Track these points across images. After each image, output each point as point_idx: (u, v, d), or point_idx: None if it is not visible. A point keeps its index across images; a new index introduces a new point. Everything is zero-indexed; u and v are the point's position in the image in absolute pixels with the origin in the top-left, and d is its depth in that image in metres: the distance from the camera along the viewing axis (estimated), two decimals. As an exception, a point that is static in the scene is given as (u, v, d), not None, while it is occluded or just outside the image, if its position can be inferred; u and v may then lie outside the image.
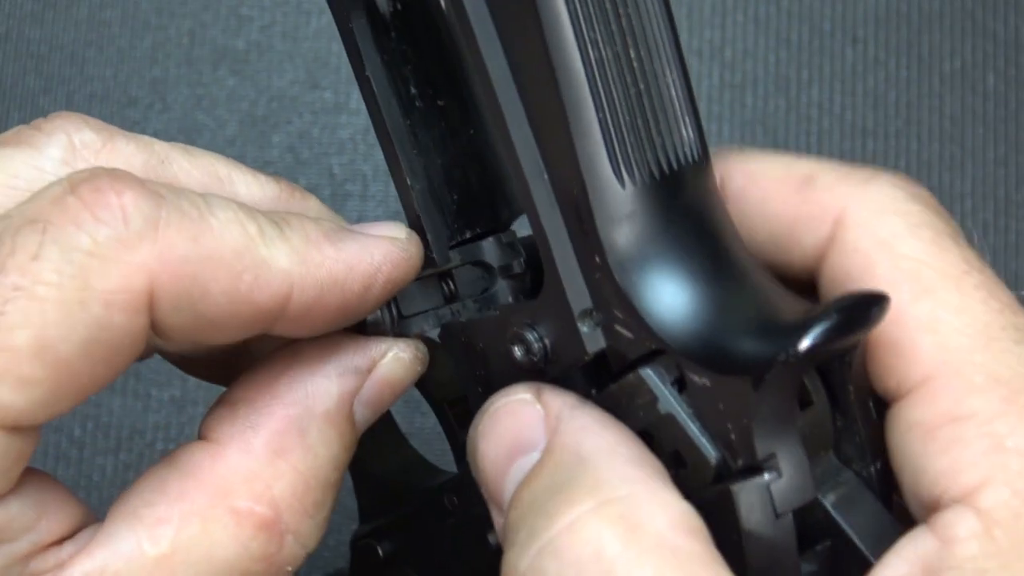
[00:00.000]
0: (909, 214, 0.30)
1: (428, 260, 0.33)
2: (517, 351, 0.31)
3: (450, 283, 0.34)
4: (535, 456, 0.30)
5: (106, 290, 0.28)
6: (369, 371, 0.33)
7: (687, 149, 0.29)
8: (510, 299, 0.33)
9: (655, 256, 0.29)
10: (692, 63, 0.59)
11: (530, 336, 0.31)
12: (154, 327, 0.29)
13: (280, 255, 0.30)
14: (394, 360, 0.33)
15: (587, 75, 0.28)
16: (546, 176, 0.29)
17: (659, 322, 0.29)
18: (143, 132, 0.34)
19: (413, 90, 0.33)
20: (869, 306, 0.28)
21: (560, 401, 0.30)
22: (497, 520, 0.31)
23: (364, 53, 0.32)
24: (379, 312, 0.33)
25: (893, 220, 0.30)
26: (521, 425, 0.31)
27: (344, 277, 0.31)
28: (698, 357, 0.29)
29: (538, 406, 0.31)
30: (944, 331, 0.29)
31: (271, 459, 0.31)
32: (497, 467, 0.31)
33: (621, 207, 0.29)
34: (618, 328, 0.30)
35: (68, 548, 0.30)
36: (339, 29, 0.32)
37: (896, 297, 0.29)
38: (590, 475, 0.28)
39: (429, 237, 0.33)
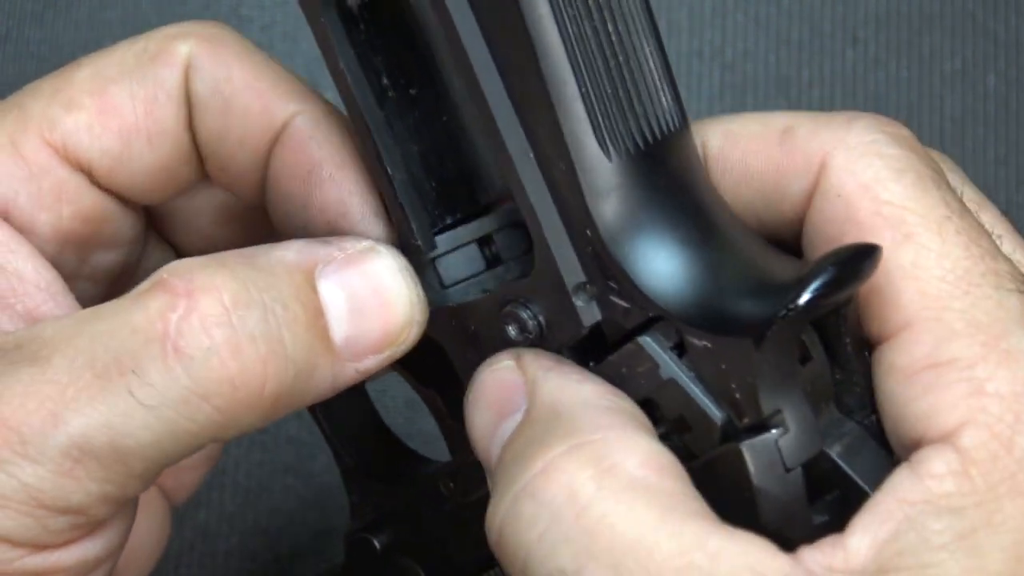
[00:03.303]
0: (891, 157, 0.30)
1: (415, 248, 0.33)
2: (511, 330, 0.32)
3: (491, 248, 0.34)
4: (518, 417, 0.30)
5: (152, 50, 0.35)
6: (341, 250, 0.32)
7: (668, 117, 0.30)
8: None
9: (646, 225, 0.30)
10: (693, 64, 0.59)
11: (524, 314, 0.31)
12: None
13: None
14: (369, 249, 0.32)
15: (568, 52, 0.28)
16: (531, 154, 0.30)
17: (655, 290, 0.29)
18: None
19: (385, 81, 0.33)
20: (863, 258, 0.28)
21: (538, 363, 0.31)
22: (491, 484, 0.31)
23: (337, 47, 0.32)
24: None
25: (875, 163, 0.30)
26: (503, 390, 0.31)
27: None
28: (697, 321, 0.29)
29: (519, 370, 0.31)
30: (925, 277, 0.29)
31: (209, 258, 0.31)
32: (486, 434, 0.31)
33: (608, 180, 0.29)
34: (613, 299, 0.30)
35: None
36: (310, 25, 0.32)
37: (878, 243, 0.29)
38: (565, 424, 0.29)
39: (414, 225, 0.33)
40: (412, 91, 0.33)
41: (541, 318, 0.31)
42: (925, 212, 0.29)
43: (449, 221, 0.34)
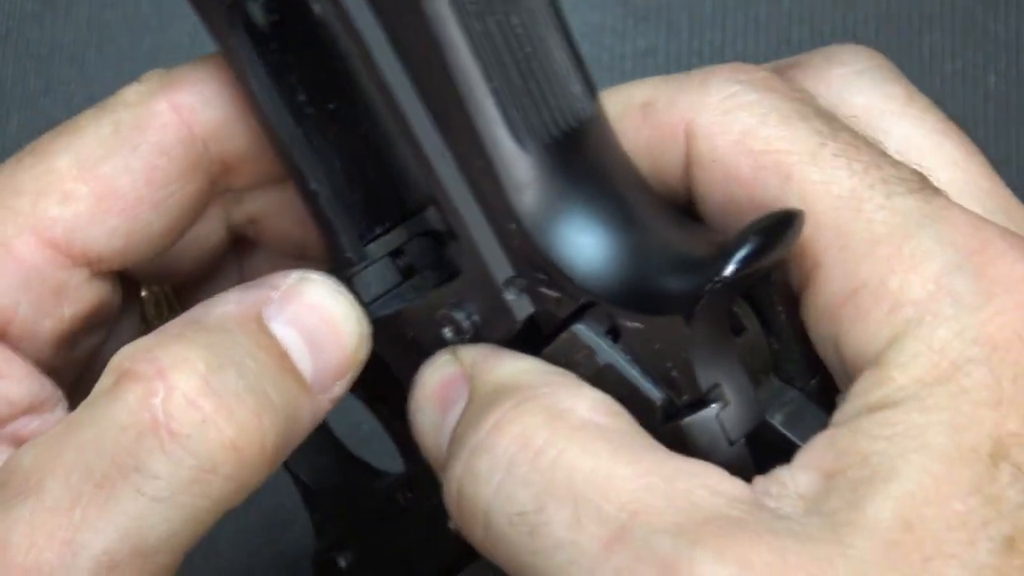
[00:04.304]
0: (752, 104, 0.30)
1: (345, 260, 0.33)
2: (447, 332, 0.32)
3: (403, 259, 0.34)
4: (462, 404, 0.30)
5: (133, 119, 0.33)
6: (274, 289, 0.32)
7: (580, 105, 0.30)
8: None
9: (567, 213, 0.30)
10: (693, 64, 0.59)
11: (458, 315, 0.32)
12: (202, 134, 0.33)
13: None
14: (301, 279, 0.32)
15: (474, 49, 0.28)
16: (448, 154, 0.30)
17: (583, 276, 0.30)
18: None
19: (302, 97, 0.32)
20: (785, 225, 0.28)
21: (474, 351, 0.31)
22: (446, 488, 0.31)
23: (248, 69, 0.32)
24: None
25: (739, 116, 0.30)
26: (444, 384, 0.31)
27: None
28: (627, 303, 0.29)
29: (456, 361, 0.31)
30: (817, 211, 0.29)
31: (159, 334, 0.31)
32: (432, 430, 0.31)
33: (527, 172, 0.29)
34: (543, 290, 0.30)
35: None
36: (219, 47, 0.32)
37: (765, 194, 0.29)
38: (510, 388, 0.29)
39: (342, 239, 0.33)
40: (330, 105, 0.33)
41: (475, 317, 0.31)
42: (797, 147, 0.29)
43: (378, 231, 0.33)
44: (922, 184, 0.29)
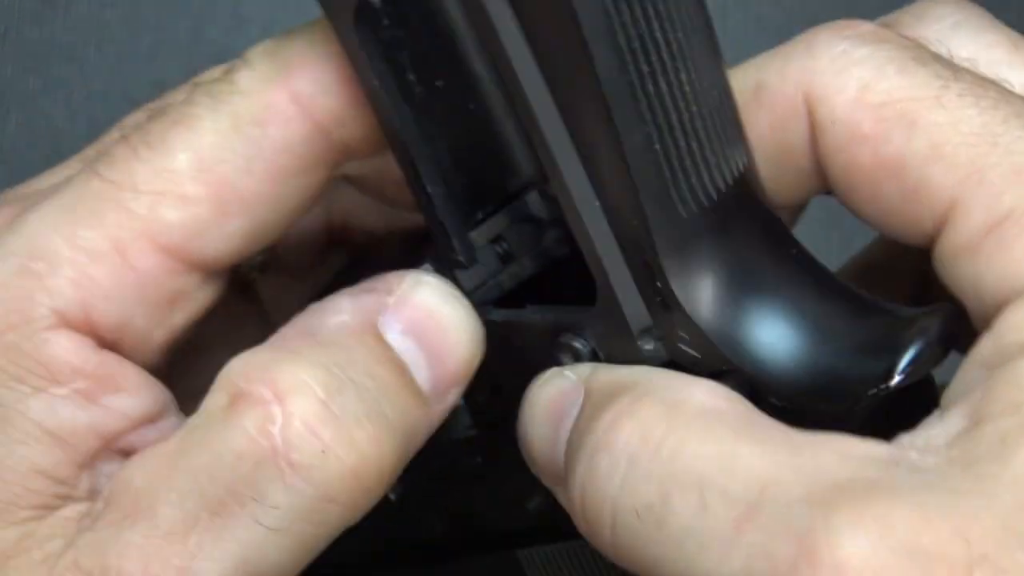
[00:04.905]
0: (865, 60, 0.29)
1: (454, 259, 0.32)
2: (564, 358, 0.31)
3: (503, 245, 0.33)
4: (575, 412, 0.30)
5: (252, 113, 0.31)
6: (389, 294, 0.31)
7: (738, 160, 0.29)
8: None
9: (723, 279, 0.29)
10: (693, 63, 0.58)
11: (578, 345, 0.31)
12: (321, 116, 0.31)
13: None
14: (415, 283, 0.31)
15: (645, 111, 0.27)
16: (597, 204, 0.29)
17: (733, 347, 0.29)
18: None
19: (411, 76, 0.31)
20: (950, 329, 0.27)
21: (588, 366, 0.30)
22: (563, 498, 0.30)
23: (363, 52, 0.30)
24: None
25: (853, 72, 0.29)
26: (558, 397, 0.30)
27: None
28: (777, 381, 0.28)
29: (569, 374, 0.30)
30: (949, 152, 0.28)
31: (274, 349, 0.30)
32: (547, 444, 0.30)
33: (684, 234, 0.28)
34: (683, 347, 0.29)
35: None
36: (338, 38, 0.31)
37: (891, 145, 0.28)
38: (624, 387, 0.29)
39: (453, 240, 0.32)
40: (438, 83, 0.31)
41: (600, 353, 0.31)
42: (919, 93, 0.28)
43: (480, 216, 0.33)
44: None
